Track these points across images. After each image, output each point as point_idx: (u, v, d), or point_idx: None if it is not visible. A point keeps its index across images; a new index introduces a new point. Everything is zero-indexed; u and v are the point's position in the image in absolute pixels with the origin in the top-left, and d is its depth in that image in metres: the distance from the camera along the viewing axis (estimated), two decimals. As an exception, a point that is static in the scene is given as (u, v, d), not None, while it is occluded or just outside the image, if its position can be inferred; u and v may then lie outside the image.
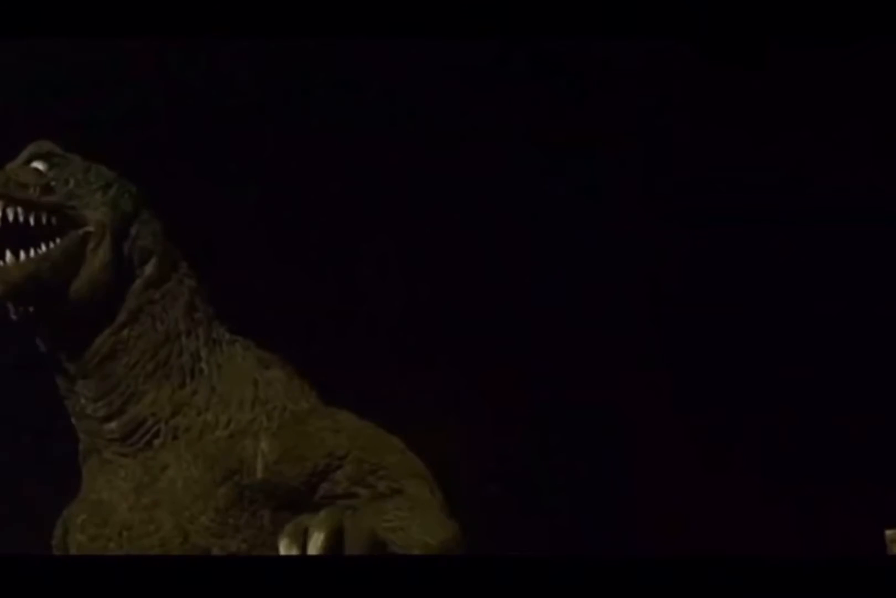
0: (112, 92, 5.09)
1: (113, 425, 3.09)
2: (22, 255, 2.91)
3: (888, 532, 4.35)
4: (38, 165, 3.08)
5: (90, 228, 3.00)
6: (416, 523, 2.97)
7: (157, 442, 3.09)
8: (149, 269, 3.09)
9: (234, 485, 3.01)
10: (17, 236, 2.94)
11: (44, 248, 2.92)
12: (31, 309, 3.00)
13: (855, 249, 5.49)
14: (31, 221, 2.92)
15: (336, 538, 2.61)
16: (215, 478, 3.01)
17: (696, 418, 5.70)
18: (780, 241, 5.53)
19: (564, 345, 5.73)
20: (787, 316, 5.83)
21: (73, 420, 3.20)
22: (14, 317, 3.08)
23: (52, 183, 3.03)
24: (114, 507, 3.07)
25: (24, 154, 3.13)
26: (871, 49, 4.56)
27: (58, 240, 2.95)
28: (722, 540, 5.08)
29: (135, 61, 5.02)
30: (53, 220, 2.96)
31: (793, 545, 4.95)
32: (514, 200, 5.48)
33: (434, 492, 3.14)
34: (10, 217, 2.87)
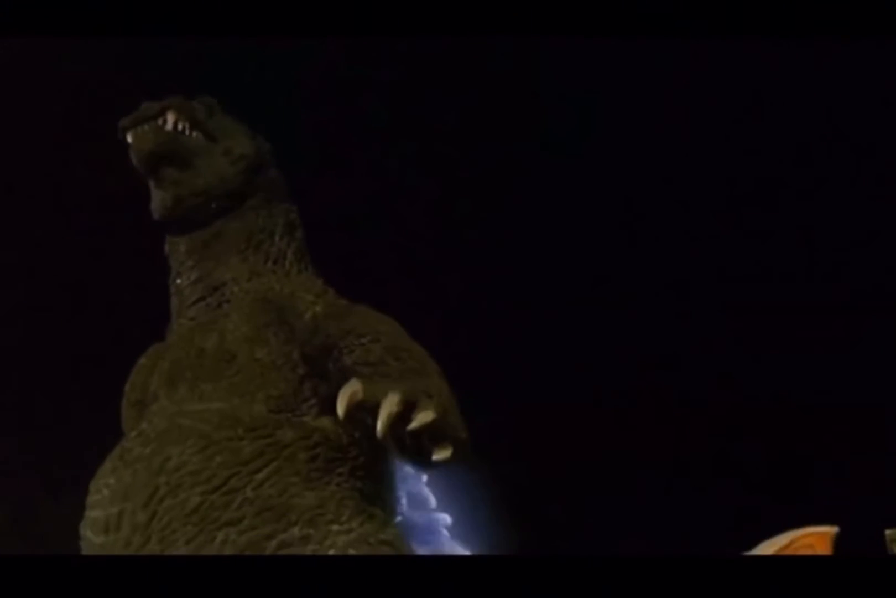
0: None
1: (199, 286, 3.48)
2: (179, 126, 3.43)
3: (888, 532, 4.37)
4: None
5: (236, 154, 3.56)
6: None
7: (226, 307, 3.42)
8: (264, 193, 3.59)
9: (279, 314, 3.29)
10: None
11: (193, 134, 3.48)
12: (166, 175, 3.44)
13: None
14: (194, 135, 3.47)
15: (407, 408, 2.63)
16: (265, 307, 3.32)
17: (698, 416, 5.72)
18: None
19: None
20: (786, 317, 5.85)
21: (174, 321, 3.52)
22: (153, 183, 3.50)
23: (214, 114, 3.61)
24: (169, 346, 3.42)
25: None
26: None
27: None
28: (722, 539, 5.09)
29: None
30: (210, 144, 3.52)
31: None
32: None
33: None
34: (180, 128, 3.44)
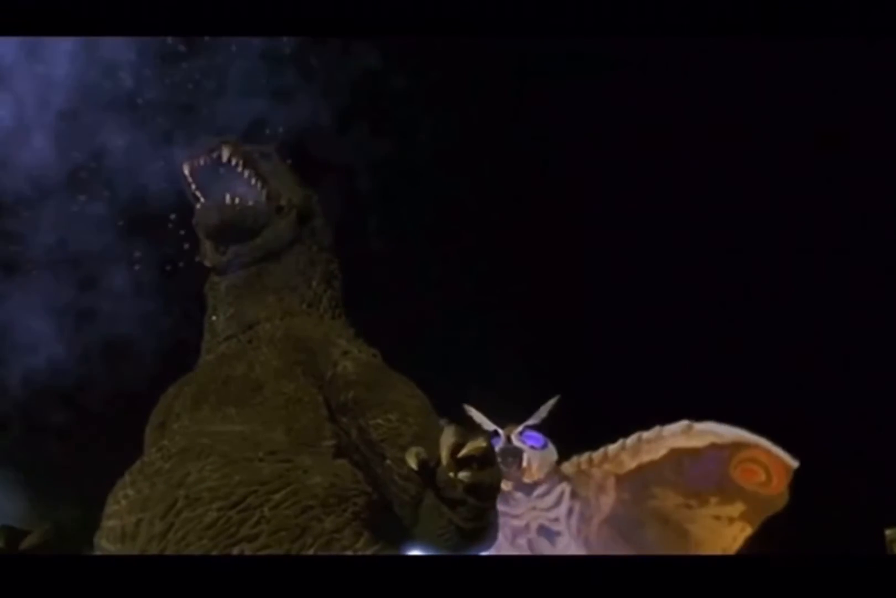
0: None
1: (233, 323, 3.57)
2: (237, 200, 3.62)
3: (888, 532, 4.39)
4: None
5: (283, 203, 3.71)
6: None
7: (256, 342, 3.47)
8: (308, 240, 3.73)
9: (309, 357, 3.33)
10: (233, 186, 3.64)
11: (250, 203, 3.64)
12: (227, 247, 3.61)
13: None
14: (245, 175, 3.65)
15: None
16: (297, 346, 3.39)
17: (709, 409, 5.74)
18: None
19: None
20: (792, 325, 5.87)
21: (202, 357, 3.58)
22: (204, 251, 3.68)
23: (270, 159, 3.79)
24: (195, 374, 3.50)
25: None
26: None
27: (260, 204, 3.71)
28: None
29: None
30: (259, 185, 3.67)
31: (793, 545, 4.97)
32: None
33: None
34: (233, 162, 3.61)
